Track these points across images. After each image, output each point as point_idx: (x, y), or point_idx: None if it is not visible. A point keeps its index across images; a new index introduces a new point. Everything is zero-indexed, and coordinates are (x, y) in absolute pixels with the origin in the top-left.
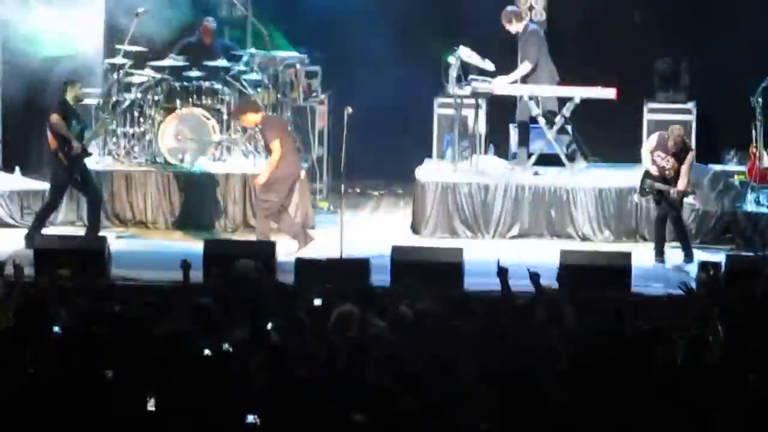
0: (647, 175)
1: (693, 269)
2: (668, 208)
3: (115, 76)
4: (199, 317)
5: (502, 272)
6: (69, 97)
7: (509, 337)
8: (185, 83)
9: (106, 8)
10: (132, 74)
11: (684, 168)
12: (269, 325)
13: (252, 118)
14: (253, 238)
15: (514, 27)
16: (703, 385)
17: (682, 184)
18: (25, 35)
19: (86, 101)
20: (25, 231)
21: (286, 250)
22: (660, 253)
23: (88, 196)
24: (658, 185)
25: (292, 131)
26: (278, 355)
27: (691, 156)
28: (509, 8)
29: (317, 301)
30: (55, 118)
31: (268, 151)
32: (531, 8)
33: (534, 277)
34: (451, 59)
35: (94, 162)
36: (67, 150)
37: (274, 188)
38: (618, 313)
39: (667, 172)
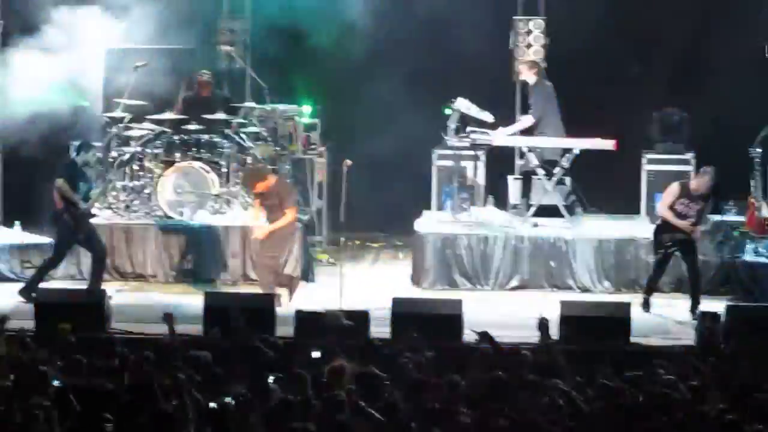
0: (660, 230)
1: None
2: (687, 262)
3: (114, 129)
4: (198, 370)
5: (543, 324)
6: (79, 159)
7: (510, 391)
8: (184, 136)
9: (105, 62)
10: (131, 128)
11: (706, 209)
12: (270, 379)
13: (265, 184)
14: (254, 289)
15: (530, 77)
16: None
17: (702, 221)
18: (32, 87)
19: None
20: (22, 284)
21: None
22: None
23: (94, 253)
24: (679, 234)
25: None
26: (278, 409)
27: (712, 200)
28: (528, 58)
29: (316, 354)
30: (60, 182)
31: (278, 208)
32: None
33: (543, 323)
34: (450, 111)
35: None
36: (73, 210)
37: (279, 244)
38: (617, 366)
39: (689, 219)
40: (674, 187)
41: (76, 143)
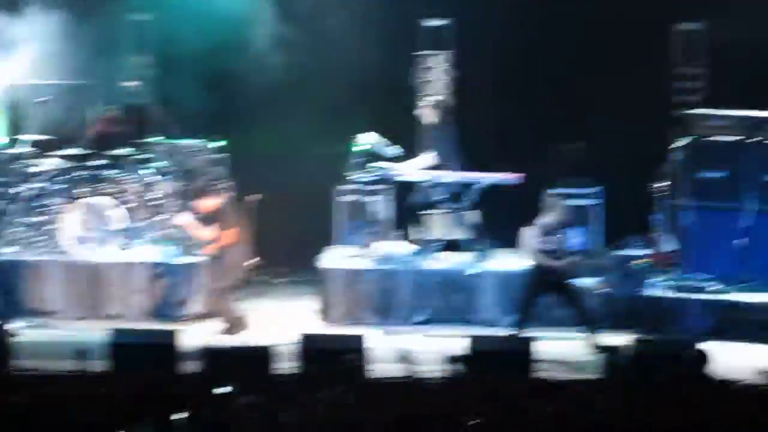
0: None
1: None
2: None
3: (17, 165)
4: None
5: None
6: None
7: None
8: (90, 172)
9: (7, 98)
10: (35, 164)
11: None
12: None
13: (210, 204)
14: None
15: (431, 117)
16: None
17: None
18: None
19: None
20: None
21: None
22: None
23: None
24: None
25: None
26: None
27: None
28: (429, 97)
29: (222, 390)
30: None
31: (221, 228)
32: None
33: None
34: (358, 145)
35: None
36: None
37: (227, 272)
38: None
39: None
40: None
41: None
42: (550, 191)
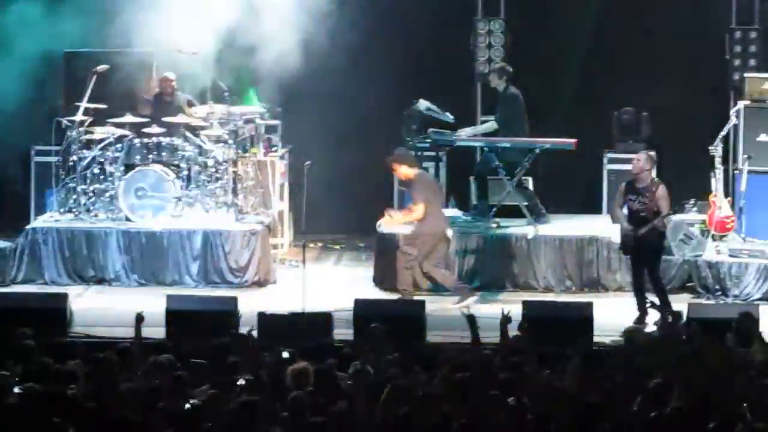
0: (623, 230)
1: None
2: (646, 264)
3: (74, 133)
4: (162, 374)
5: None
6: None
7: (473, 393)
8: (144, 140)
9: (64, 66)
10: (91, 132)
11: (662, 196)
12: (240, 381)
13: (405, 171)
14: (215, 293)
15: (497, 83)
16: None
17: (665, 207)
18: None
19: (46, 159)
20: None
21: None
22: (642, 321)
23: None
24: (641, 231)
25: (435, 188)
26: (243, 411)
27: (663, 187)
28: (499, 64)
29: (285, 354)
30: None
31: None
32: (489, 61)
33: (504, 320)
34: (412, 111)
35: (54, 220)
36: None
37: (416, 243)
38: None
39: (642, 213)
40: (621, 187)
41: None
42: (607, 155)
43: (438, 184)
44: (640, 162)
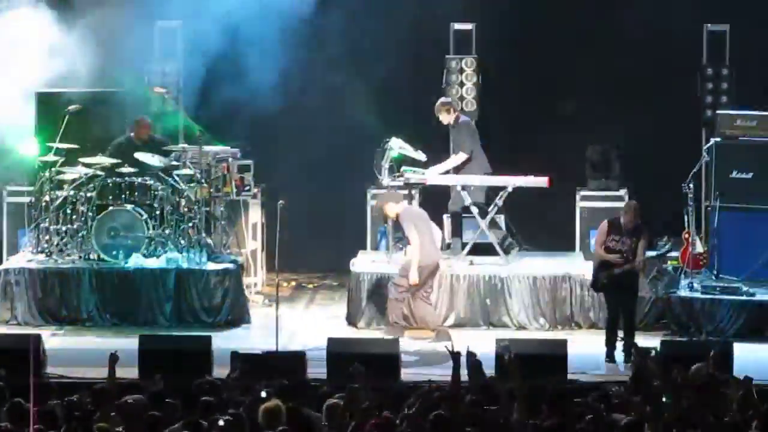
0: (601, 268)
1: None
2: (623, 302)
3: (47, 173)
4: (135, 414)
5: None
6: None
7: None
8: (117, 179)
9: (36, 106)
10: (64, 171)
11: (643, 243)
12: (220, 422)
13: (392, 209)
14: (188, 332)
15: (447, 118)
16: None
17: (641, 253)
18: None
19: (18, 199)
20: None
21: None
22: (611, 356)
23: None
24: (617, 270)
25: (423, 218)
26: None
27: (647, 232)
28: (442, 100)
29: (263, 393)
30: None
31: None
32: (462, 98)
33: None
34: (385, 150)
35: (26, 260)
36: None
37: (408, 275)
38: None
39: (624, 255)
40: (603, 226)
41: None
42: (580, 193)
43: (425, 214)
44: (629, 214)
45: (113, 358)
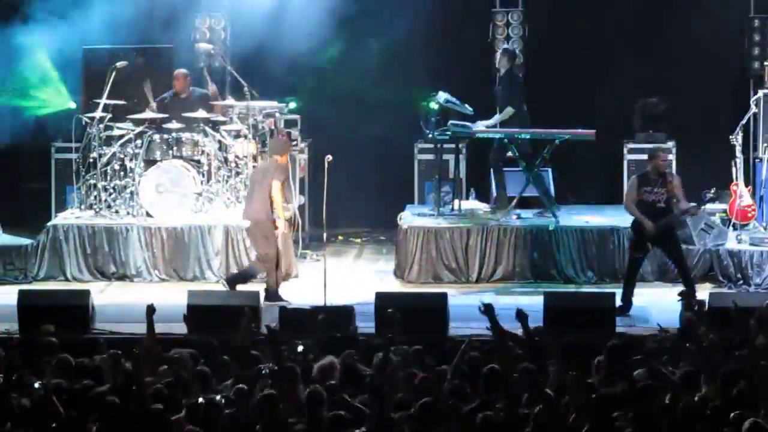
0: (639, 227)
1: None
2: (668, 246)
3: (93, 130)
4: (185, 367)
5: (488, 309)
6: None
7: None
8: (164, 135)
9: (83, 63)
10: (111, 128)
11: (678, 185)
12: (263, 371)
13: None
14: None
15: (503, 65)
16: (697, 421)
17: (684, 202)
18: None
19: (66, 156)
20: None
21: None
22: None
23: None
24: (665, 221)
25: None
26: (266, 404)
27: (677, 176)
28: (506, 47)
29: (300, 347)
30: None
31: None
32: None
33: (522, 317)
34: (431, 104)
35: (75, 216)
36: None
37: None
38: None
39: (660, 204)
40: (633, 181)
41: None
42: (627, 146)
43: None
44: (655, 160)
45: (150, 310)
